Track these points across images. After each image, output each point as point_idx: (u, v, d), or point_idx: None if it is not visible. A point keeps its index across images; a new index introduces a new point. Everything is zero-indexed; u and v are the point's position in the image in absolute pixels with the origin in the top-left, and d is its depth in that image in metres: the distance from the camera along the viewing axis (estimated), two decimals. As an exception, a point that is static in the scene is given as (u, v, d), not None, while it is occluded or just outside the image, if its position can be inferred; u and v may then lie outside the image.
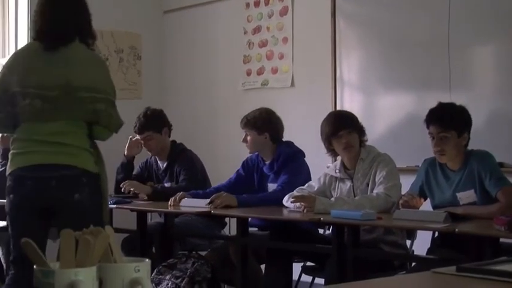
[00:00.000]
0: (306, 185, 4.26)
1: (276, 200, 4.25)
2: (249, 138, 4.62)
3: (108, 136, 3.41)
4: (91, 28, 3.40)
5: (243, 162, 4.80)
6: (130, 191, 4.98)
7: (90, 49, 3.39)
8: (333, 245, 3.79)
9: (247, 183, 4.69)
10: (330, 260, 3.84)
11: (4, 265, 5.06)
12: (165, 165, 5.18)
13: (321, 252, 4.07)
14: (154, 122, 5.12)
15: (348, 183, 4.12)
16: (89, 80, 3.28)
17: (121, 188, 4.96)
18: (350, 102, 5.53)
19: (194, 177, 5.00)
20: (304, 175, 4.46)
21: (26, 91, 3.28)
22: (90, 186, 3.33)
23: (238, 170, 4.79)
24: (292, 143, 4.65)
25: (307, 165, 4.55)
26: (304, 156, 4.59)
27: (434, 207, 3.80)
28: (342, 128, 4.08)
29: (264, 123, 4.60)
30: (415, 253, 4.15)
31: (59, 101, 3.25)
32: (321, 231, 4.68)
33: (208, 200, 4.35)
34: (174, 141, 5.21)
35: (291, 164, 4.48)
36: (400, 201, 3.76)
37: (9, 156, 3.38)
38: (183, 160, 5.08)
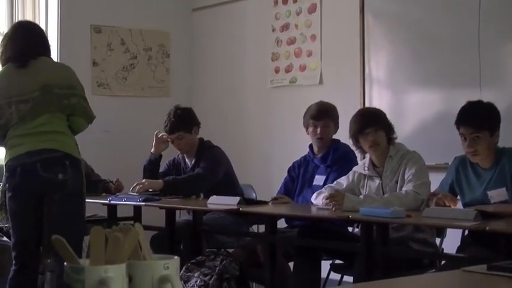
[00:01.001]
0: (335, 182, 4.24)
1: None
2: (323, 129, 4.57)
3: (84, 127, 4.07)
4: (49, 48, 4.12)
5: (290, 168, 4.78)
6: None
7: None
8: (361, 242, 3.77)
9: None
10: (358, 258, 3.83)
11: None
12: (192, 162, 5.19)
13: (350, 250, 4.06)
14: (184, 121, 5.11)
15: (377, 181, 4.10)
16: (61, 79, 3.92)
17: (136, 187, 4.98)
18: (379, 100, 5.50)
19: (212, 170, 4.98)
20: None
21: (10, 101, 3.87)
22: (74, 169, 3.89)
23: (286, 177, 4.77)
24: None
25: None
26: (356, 158, 4.56)
27: (465, 205, 3.77)
28: (368, 125, 4.06)
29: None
30: (444, 251, 4.12)
31: (39, 99, 3.85)
32: (349, 229, 4.66)
33: (237, 198, 4.40)
34: (201, 139, 5.22)
35: (346, 164, 4.44)
36: (434, 199, 3.72)
37: (4, 153, 3.97)
38: (207, 154, 5.09)
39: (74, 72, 4.03)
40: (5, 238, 5.08)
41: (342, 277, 4.62)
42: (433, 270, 3.94)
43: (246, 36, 6.67)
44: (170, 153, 5.40)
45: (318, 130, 4.56)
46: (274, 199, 4.49)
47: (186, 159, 5.25)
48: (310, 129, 4.59)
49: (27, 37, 4.01)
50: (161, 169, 5.34)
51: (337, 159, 4.52)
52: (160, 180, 5.00)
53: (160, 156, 5.31)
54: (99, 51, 6.61)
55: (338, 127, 4.64)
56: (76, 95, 3.95)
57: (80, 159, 3.99)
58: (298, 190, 4.66)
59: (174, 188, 4.92)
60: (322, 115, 4.57)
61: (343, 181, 4.22)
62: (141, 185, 4.96)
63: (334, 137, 4.66)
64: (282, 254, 4.43)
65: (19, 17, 6.59)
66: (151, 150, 5.29)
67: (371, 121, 4.09)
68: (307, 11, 6.12)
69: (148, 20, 6.88)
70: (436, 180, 3.96)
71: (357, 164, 4.36)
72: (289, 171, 4.78)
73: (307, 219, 4.37)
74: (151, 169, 5.24)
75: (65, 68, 4.08)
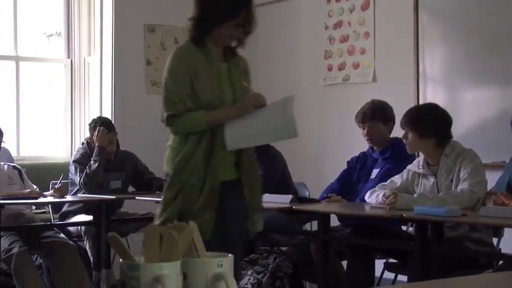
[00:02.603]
0: (389, 181, 4.21)
1: None
2: (370, 130, 4.59)
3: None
4: None
5: (349, 160, 4.78)
6: None
7: None
8: (415, 241, 3.74)
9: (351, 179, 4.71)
10: (412, 257, 3.79)
11: (91, 258, 5.19)
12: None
13: (404, 249, 4.02)
14: None
15: (432, 180, 4.05)
16: None
17: None
18: (433, 97, 5.43)
19: (272, 175, 5.00)
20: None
21: None
22: None
23: (344, 169, 4.76)
24: None
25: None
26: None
27: (522, 204, 3.70)
28: (403, 126, 4.05)
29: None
30: (502, 251, 4.05)
31: None
32: (403, 227, 4.62)
33: (290, 197, 4.40)
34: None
35: (403, 161, 4.41)
36: (492, 198, 3.66)
37: None
38: (265, 157, 5.09)
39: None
40: (61, 235, 5.17)
41: (396, 276, 4.58)
42: (490, 270, 3.88)
43: (299, 34, 6.65)
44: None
45: (365, 132, 4.57)
46: (326, 198, 4.47)
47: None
48: (360, 130, 4.61)
49: None
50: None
51: (395, 154, 4.49)
52: None
53: None
54: (152, 50, 6.67)
55: (393, 123, 4.61)
56: None
57: None
58: (354, 184, 4.64)
59: None
60: (367, 118, 4.57)
61: (397, 180, 4.18)
62: None
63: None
64: (335, 252, 4.41)
65: (75, 17, 6.69)
66: None
67: (406, 121, 4.08)
68: (360, 8, 6.08)
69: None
70: (492, 179, 3.90)
71: (414, 159, 4.33)
72: (348, 163, 4.77)
73: (360, 218, 4.34)
74: None
75: None
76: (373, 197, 4.06)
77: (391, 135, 4.61)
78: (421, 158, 4.15)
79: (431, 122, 4.04)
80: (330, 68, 6.32)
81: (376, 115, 4.58)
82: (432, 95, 5.48)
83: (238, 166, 3.42)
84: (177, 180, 3.30)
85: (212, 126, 3.31)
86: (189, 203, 3.25)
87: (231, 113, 3.34)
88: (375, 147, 4.62)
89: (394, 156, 4.49)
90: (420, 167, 4.11)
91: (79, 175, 5.35)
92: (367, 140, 4.60)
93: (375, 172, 4.53)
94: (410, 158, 4.36)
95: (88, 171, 5.31)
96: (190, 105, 3.33)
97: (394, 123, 4.62)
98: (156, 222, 3.21)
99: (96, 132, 5.41)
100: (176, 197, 3.28)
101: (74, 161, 5.49)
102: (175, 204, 3.27)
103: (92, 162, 5.34)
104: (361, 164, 4.67)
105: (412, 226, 4.36)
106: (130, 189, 5.72)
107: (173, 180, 3.32)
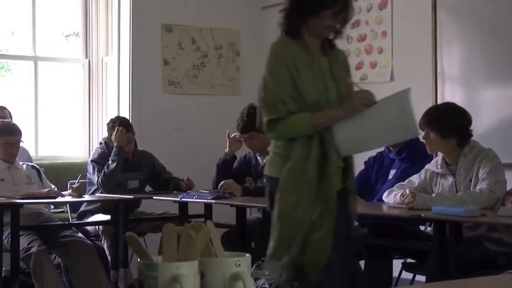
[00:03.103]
0: (407, 180, 4.19)
1: None
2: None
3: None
4: None
5: (366, 161, 4.76)
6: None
7: None
8: (434, 241, 3.72)
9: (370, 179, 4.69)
10: (430, 257, 3.77)
11: (109, 257, 5.21)
12: (264, 161, 5.18)
13: (422, 249, 4.00)
14: (257, 121, 5.10)
15: (450, 179, 4.03)
16: None
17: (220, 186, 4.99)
18: (451, 96, 5.40)
19: None
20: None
21: None
22: None
23: (362, 170, 4.74)
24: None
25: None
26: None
27: (542, 204, 3.67)
28: (423, 126, 4.03)
29: None
30: (521, 252, 4.01)
31: None
32: (421, 227, 4.60)
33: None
34: (273, 137, 5.20)
35: (421, 160, 4.40)
36: (511, 198, 3.63)
37: None
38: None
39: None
40: (80, 234, 5.19)
41: (414, 276, 4.56)
42: (510, 271, 3.85)
43: (316, 33, 6.63)
44: (242, 149, 5.41)
45: None
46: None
47: (258, 157, 5.25)
48: None
49: None
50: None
51: (411, 154, 4.47)
52: (240, 186, 4.97)
53: (235, 156, 5.32)
54: (170, 50, 6.68)
55: None
56: None
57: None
58: (372, 184, 4.63)
59: (253, 195, 4.89)
60: None
61: (415, 179, 4.16)
62: (224, 185, 4.95)
63: None
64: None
65: (93, 17, 6.72)
66: (226, 150, 5.31)
67: (425, 122, 4.06)
68: (377, 7, 6.06)
69: (218, 18, 6.92)
70: None
71: (432, 158, 4.30)
72: (365, 163, 4.75)
73: (378, 218, 4.33)
74: (224, 168, 5.26)
75: None
76: (391, 197, 4.05)
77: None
78: (439, 158, 4.12)
79: (452, 121, 4.02)
80: (347, 68, 6.30)
81: None
82: (450, 94, 5.45)
83: (344, 173, 3.13)
84: (291, 191, 2.99)
85: (318, 129, 3.00)
86: (305, 214, 2.96)
87: (338, 114, 3.04)
88: (390, 148, 4.60)
89: (411, 157, 4.46)
90: (439, 166, 4.09)
91: (97, 175, 5.37)
92: None
93: (392, 173, 4.51)
94: (427, 158, 4.33)
95: (106, 171, 5.32)
96: (292, 107, 3.00)
97: None
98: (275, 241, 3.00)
99: (114, 132, 5.43)
100: (294, 208, 2.98)
101: (92, 161, 5.51)
102: (292, 215, 2.99)
103: (110, 162, 5.35)
104: (379, 164, 4.65)
105: (430, 226, 4.34)
106: (148, 188, 5.73)
107: (286, 190, 3.00)
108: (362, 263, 4.46)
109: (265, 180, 3.25)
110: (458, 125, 4.01)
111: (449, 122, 4.01)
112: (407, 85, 5.72)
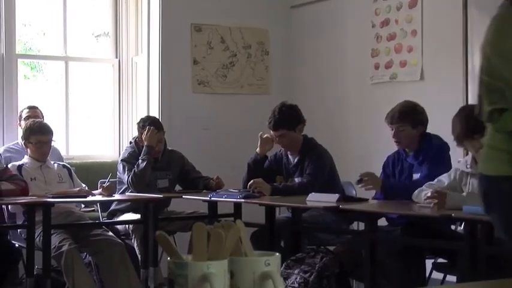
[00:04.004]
0: (436, 180, 4.16)
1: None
2: (397, 133, 4.54)
3: None
4: None
5: (384, 164, 4.74)
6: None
7: None
8: (465, 241, 3.69)
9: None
10: (461, 257, 3.74)
11: (139, 256, 5.23)
12: (296, 160, 5.17)
13: (453, 249, 3.97)
14: (289, 119, 5.07)
15: (481, 178, 3.99)
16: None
17: (249, 185, 5.00)
18: (483, 95, 5.35)
19: (319, 174, 4.98)
20: (447, 168, 4.33)
21: None
22: None
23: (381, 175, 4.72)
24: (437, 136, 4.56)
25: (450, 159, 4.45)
26: (449, 150, 4.49)
27: None
28: (476, 131, 3.97)
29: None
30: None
31: None
32: (452, 227, 4.57)
33: (336, 196, 4.38)
34: (305, 136, 5.19)
35: (441, 159, 4.38)
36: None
37: None
38: (312, 156, 5.07)
39: None
40: (110, 233, 5.23)
41: (444, 276, 4.53)
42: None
43: (346, 32, 6.62)
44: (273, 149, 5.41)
45: (393, 133, 4.52)
46: (359, 181, 4.43)
47: (289, 156, 5.24)
48: (390, 130, 4.58)
49: None
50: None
51: (428, 157, 4.44)
52: (269, 186, 4.97)
53: (266, 156, 5.32)
54: (199, 49, 6.71)
55: (424, 123, 4.55)
56: None
57: None
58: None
59: (283, 194, 4.89)
60: (395, 119, 4.53)
61: (445, 179, 4.13)
62: (253, 183, 4.95)
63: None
64: (386, 252, 4.38)
65: (123, 17, 6.76)
66: (257, 150, 5.31)
67: (478, 126, 3.98)
68: (407, 6, 6.02)
69: (247, 17, 6.93)
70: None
71: (449, 156, 4.33)
72: (384, 168, 4.73)
73: (409, 217, 4.30)
74: (255, 168, 5.26)
75: None
76: (421, 197, 4.02)
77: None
78: (468, 157, 4.09)
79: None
80: (376, 67, 6.28)
81: (404, 117, 4.52)
82: (481, 93, 5.40)
83: None
84: None
85: None
86: None
87: None
88: (406, 150, 4.58)
89: (427, 159, 4.44)
90: (468, 166, 4.05)
91: (127, 174, 5.39)
92: (394, 141, 4.56)
93: (415, 177, 4.48)
94: (446, 153, 4.33)
95: (136, 170, 5.35)
96: None
97: (424, 127, 4.55)
98: None
99: (145, 132, 5.45)
100: None
101: (122, 160, 5.54)
102: None
103: (140, 161, 5.38)
104: (399, 168, 4.62)
105: (461, 226, 4.31)
106: (177, 188, 5.75)
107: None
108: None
109: (478, 180, 2.73)
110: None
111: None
112: (437, 84, 5.74)
